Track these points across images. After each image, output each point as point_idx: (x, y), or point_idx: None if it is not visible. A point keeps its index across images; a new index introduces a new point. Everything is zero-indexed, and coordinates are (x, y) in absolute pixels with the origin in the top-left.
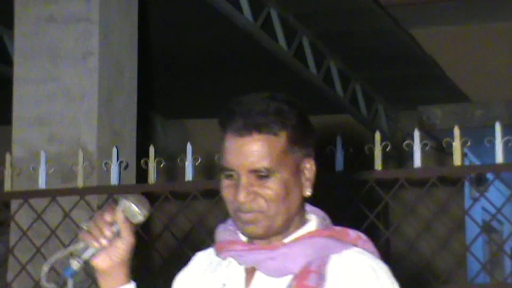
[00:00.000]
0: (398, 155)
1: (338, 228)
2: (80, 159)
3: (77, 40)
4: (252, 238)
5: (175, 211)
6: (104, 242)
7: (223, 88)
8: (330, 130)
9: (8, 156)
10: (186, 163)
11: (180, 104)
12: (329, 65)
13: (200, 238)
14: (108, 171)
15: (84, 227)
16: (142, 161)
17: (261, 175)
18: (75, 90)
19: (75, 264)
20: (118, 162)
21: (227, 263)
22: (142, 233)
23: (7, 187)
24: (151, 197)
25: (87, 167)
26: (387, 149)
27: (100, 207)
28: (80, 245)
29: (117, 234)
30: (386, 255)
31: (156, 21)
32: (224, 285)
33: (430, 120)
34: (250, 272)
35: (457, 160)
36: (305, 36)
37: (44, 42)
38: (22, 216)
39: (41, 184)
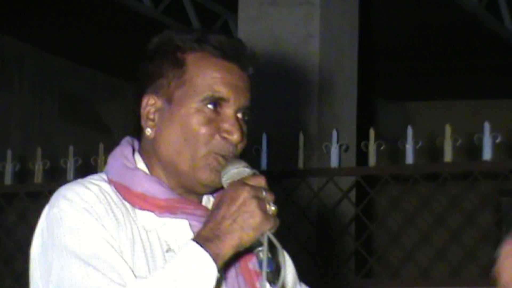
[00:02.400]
0: None
1: None
2: (301, 141)
3: (298, 23)
4: (203, 190)
5: (397, 194)
6: None
7: (445, 70)
8: None
9: None
10: (407, 146)
11: (401, 87)
12: None
13: (424, 222)
14: (328, 153)
15: None
16: (362, 144)
17: (246, 116)
18: (296, 72)
19: None
20: (338, 144)
21: (165, 220)
22: (364, 218)
23: None
24: (371, 180)
25: (308, 149)
26: None
27: (320, 189)
28: None
29: None
30: None
31: (377, 3)
32: (170, 249)
33: None
34: None
35: None
36: None
37: (266, 26)
38: None
39: (263, 164)
